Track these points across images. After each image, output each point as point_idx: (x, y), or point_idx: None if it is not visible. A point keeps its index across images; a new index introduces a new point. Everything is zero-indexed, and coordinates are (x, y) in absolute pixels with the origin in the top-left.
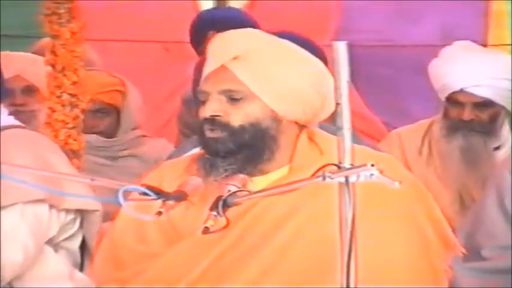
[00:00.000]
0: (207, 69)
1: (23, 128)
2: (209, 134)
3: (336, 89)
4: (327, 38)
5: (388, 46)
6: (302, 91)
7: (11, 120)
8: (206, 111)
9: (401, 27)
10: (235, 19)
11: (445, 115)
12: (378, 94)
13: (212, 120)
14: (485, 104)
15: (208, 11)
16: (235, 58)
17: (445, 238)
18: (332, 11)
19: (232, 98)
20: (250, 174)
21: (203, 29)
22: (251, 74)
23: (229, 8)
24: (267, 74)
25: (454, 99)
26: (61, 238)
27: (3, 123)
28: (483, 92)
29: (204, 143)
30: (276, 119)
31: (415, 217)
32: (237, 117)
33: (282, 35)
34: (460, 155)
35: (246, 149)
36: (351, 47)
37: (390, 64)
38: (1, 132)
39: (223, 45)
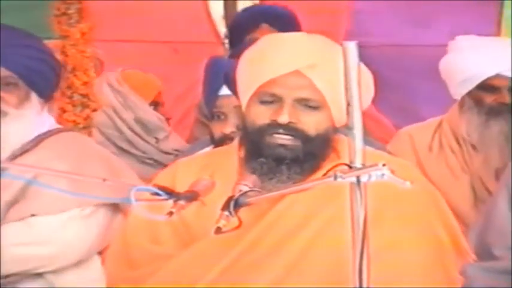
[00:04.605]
0: (275, 71)
1: (67, 130)
2: (277, 139)
3: (347, 89)
4: (337, 41)
5: (399, 46)
6: None
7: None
8: (283, 117)
9: (411, 32)
10: (288, 17)
11: (479, 102)
12: (388, 96)
13: (286, 127)
14: None
15: (260, 5)
16: (311, 65)
17: (458, 244)
18: (342, 15)
19: (308, 106)
20: None
21: (255, 20)
22: (328, 83)
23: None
24: (338, 83)
25: (488, 85)
26: None
27: (54, 126)
28: None
29: (263, 147)
30: (335, 129)
31: (430, 222)
32: (312, 125)
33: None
34: (503, 139)
35: (312, 158)
36: (360, 48)
37: (401, 66)
38: (62, 134)
39: (297, 49)
